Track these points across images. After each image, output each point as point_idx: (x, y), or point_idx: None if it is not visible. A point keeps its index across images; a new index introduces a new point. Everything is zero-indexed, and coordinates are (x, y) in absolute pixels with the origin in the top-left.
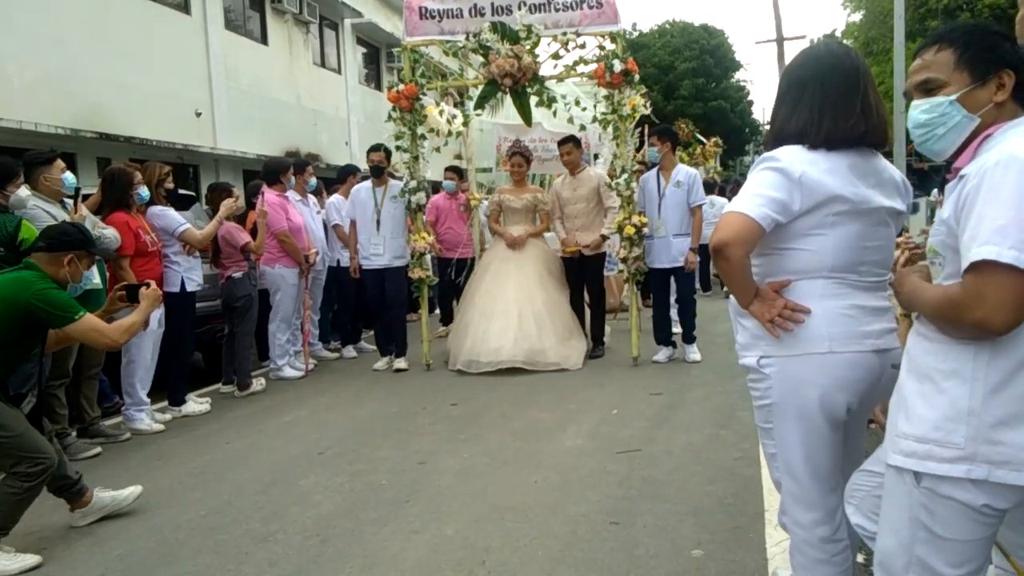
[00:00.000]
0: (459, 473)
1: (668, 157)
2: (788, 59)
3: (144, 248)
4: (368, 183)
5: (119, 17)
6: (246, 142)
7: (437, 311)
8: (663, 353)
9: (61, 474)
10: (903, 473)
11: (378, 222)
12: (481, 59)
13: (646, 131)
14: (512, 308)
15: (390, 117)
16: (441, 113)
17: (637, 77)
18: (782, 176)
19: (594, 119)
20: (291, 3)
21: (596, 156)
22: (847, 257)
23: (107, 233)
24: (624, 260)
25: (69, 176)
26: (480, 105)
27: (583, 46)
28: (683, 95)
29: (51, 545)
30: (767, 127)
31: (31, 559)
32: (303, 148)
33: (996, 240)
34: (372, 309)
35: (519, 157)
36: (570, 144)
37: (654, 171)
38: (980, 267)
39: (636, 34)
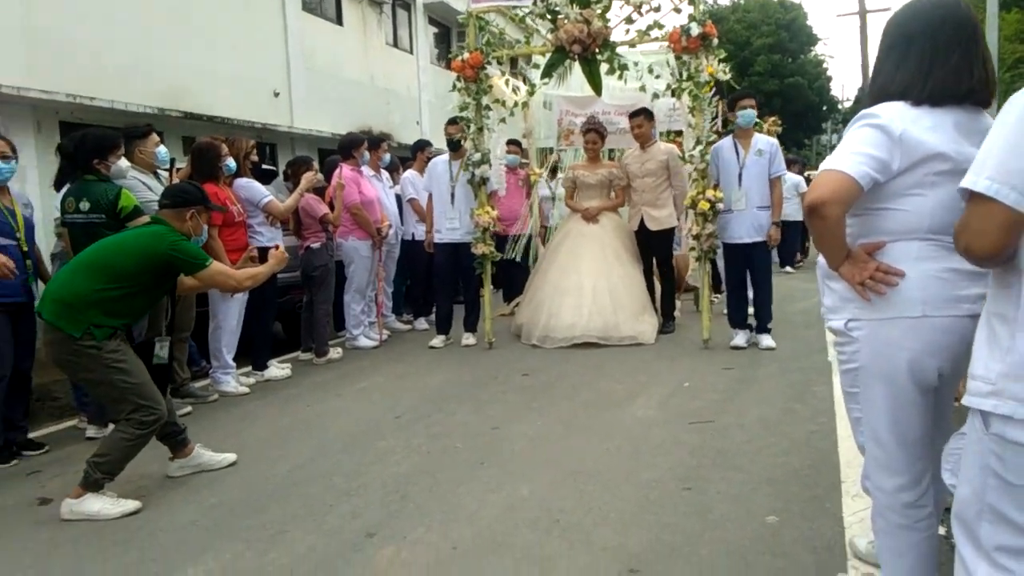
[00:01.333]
0: (532, 439)
1: (739, 126)
2: (872, 31)
3: (231, 218)
4: (445, 156)
5: (202, 1)
6: (321, 121)
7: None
8: (741, 336)
9: (171, 421)
10: (975, 417)
11: (453, 195)
12: (549, 25)
13: (719, 105)
14: (586, 283)
15: (454, 87)
16: (507, 83)
17: (716, 41)
18: (882, 133)
19: (668, 87)
20: None
21: (669, 132)
22: (945, 218)
23: None
24: (696, 237)
25: (162, 149)
26: (547, 74)
27: (658, 9)
28: (758, 71)
29: (148, 493)
30: (847, 103)
31: (131, 504)
32: (375, 127)
33: (976, 169)
34: (438, 283)
35: (594, 133)
36: (641, 117)
37: (728, 140)
38: (969, 196)
39: (713, 5)
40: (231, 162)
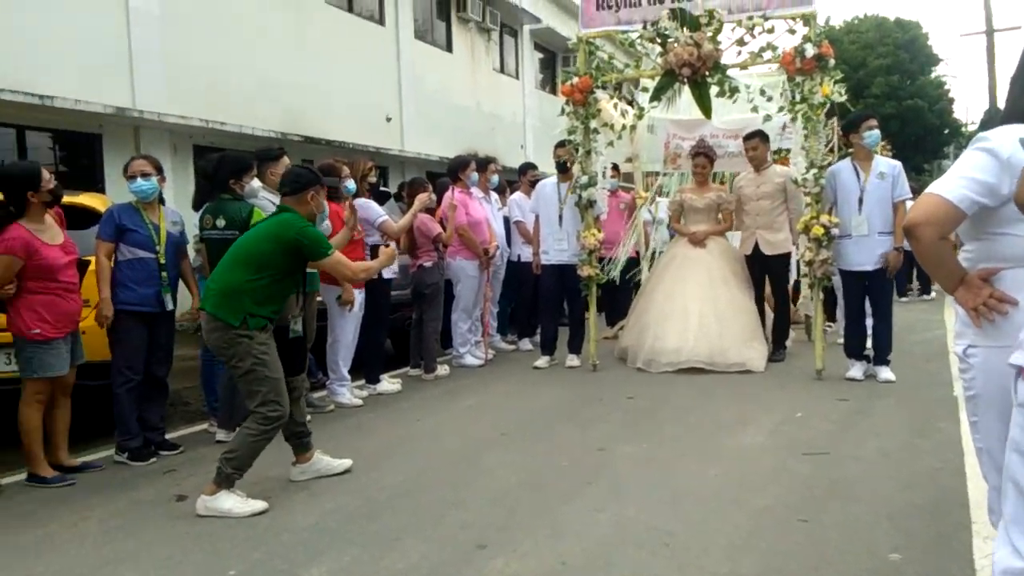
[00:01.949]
0: (638, 460)
1: (862, 148)
2: (1001, 51)
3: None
4: (554, 179)
5: (321, 29)
6: (430, 145)
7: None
8: (857, 368)
9: (299, 421)
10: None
11: (561, 218)
12: (658, 49)
13: (835, 123)
14: (692, 307)
15: (563, 111)
16: (615, 107)
17: (832, 62)
18: (990, 156)
19: (781, 108)
20: (475, 11)
21: (780, 152)
22: None
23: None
24: (809, 264)
25: None
26: (656, 97)
27: (771, 30)
28: (874, 93)
29: (273, 495)
30: (972, 126)
31: (259, 504)
32: (481, 151)
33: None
34: (544, 304)
35: (703, 157)
36: (756, 139)
37: (847, 162)
38: None
39: (826, 27)
40: (350, 183)
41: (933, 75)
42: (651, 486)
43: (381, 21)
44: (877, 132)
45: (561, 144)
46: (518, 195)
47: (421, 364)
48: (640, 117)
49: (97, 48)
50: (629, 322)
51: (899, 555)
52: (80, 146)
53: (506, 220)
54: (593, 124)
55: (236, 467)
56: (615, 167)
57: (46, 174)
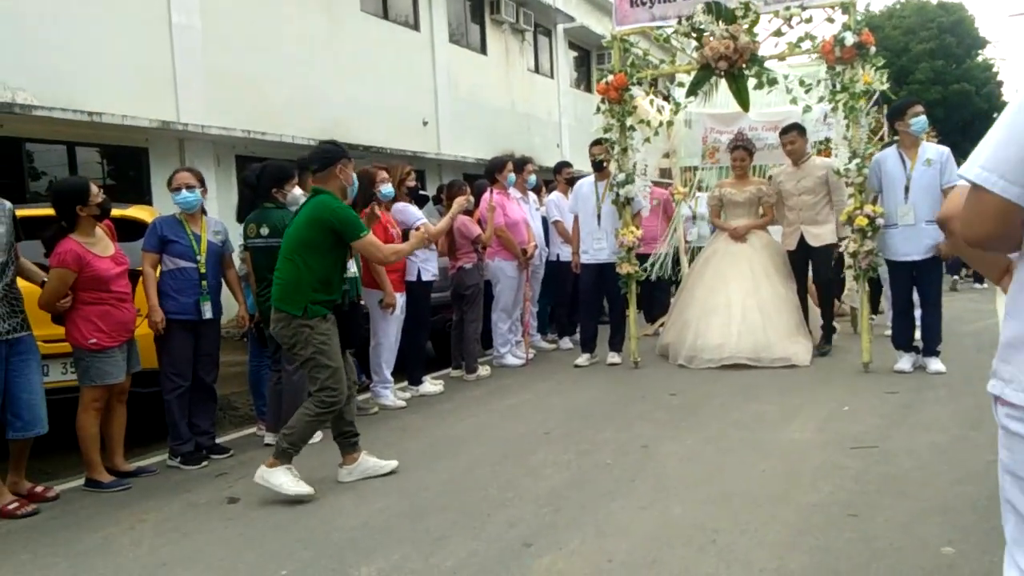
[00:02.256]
0: (682, 458)
1: (908, 136)
2: None
3: (391, 240)
4: (591, 178)
5: (357, 37)
6: (466, 147)
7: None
8: (906, 360)
9: (348, 420)
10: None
11: (599, 216)
12: (694, 43)
13: (880, 112)
14: (735, 301)
15: (599, 109)
16: (651, 103)
17: (873, 49)
18: None
19: (821, 99)
20: (508, 13)
21: (823, 141)
22: None
23: None
24: (854, 255)
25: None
26: (693, 92)
27: (809, 20)
28: (919, 79)
29: (322, 495)
30: None
31: (307, 488)
32: (517, 151)
33: (972, 159)
34: (584, 303)
35: (742, 151)
36: (794, 132)
37: (892, 149)
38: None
39: (867, 13)
40: (386, 188)
41: (980, 58)
42: (696, 483)
43: (416, 26)
44: (923, 118)
45: (597, 143)
46: (555, 194)
47: (462, 365)
48: (676, 112)
49: (142, 64)
50: (671, 319)
51: (952, 548)
52: (127, 160)
53: (544, 220)
54: (629, 121)
55: (291, 442)
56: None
57: (94, 189)
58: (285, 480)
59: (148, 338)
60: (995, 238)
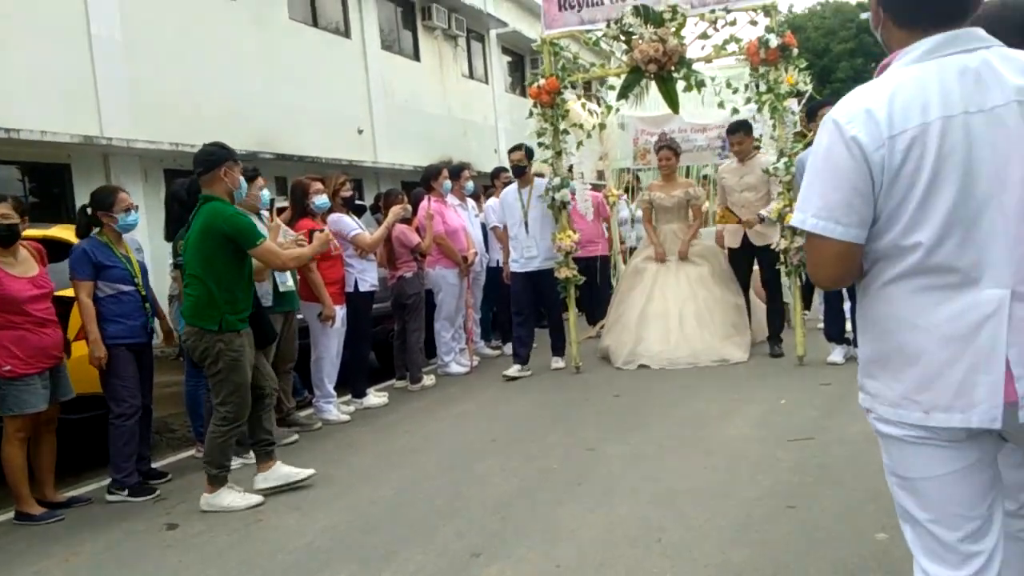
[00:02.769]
0: (628, 458)
1: None
2: None
3: (328, 252)
4: (514, 186)
5: (287, 45)
6: (403, 155)
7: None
8: (838, 352)
9: (267, 428)
10: None
11: (526, 224)
12: (623, 47)
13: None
14: (672, 312)
15: (531, 114)
16: (583, 107)
17: (796, 51)
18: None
19: (748, 100)
20: (440, 19)
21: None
22: None
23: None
24: (785, 251)
25: (266, 193)
26: (623, 95)
27: (734, 23)
28: (840, 77)
29: (265, 516)
30: None
31: (255, 498)
32: (455, 157)
33: (801, 207)
34: (515, 314)
35: (667, 150)
36: (741, 133)
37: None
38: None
39: (790, 15)
40: (320, 199)
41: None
42: (641, 483)
43: (347, 34)
44: None
45: (516, 148)
46: (493, 200)
47: (406, 375)
48: (608, 115)
49: (61, 78)
50: (609, 321)
51: (886, 535)
52: (49, 177)
53: (483, 226)
54: (562, 125)
55: (216, 466)
56: (569, 168)
57: (1, 209)
58: (231, 498)
59: (80, 362)
60: (840, 277)
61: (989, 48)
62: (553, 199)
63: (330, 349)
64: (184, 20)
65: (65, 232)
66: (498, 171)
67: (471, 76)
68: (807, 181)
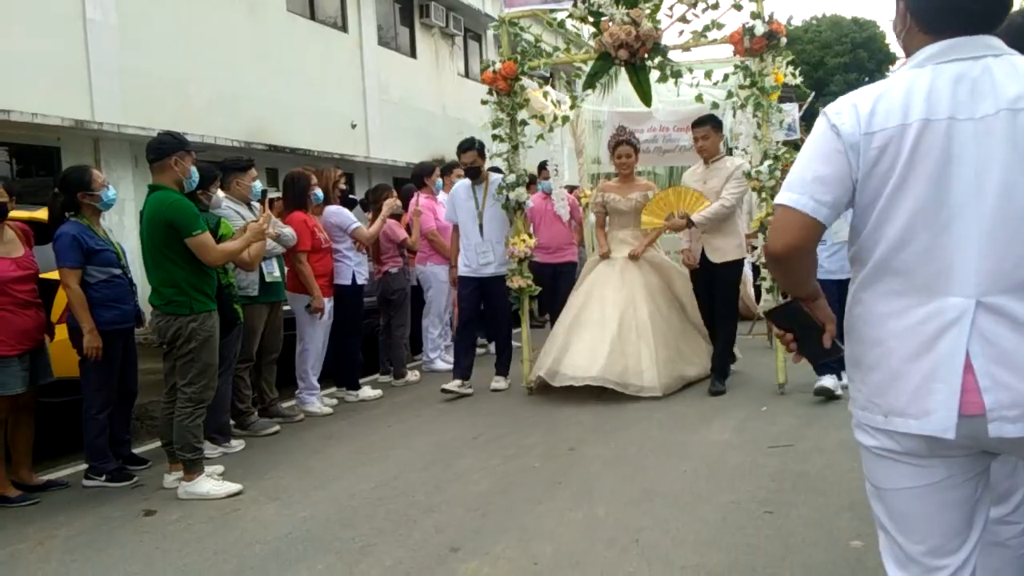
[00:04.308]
0: (607, 460)
1: None
2: None
3: (318, 244)
4: (468, 181)
5: (283, 36)
6: (396, 151)
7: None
8: (829, 380)
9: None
10: None
11: (480, 226)
12: (592, 29)
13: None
14: (611, 319)
15: (485, 102)
16: (546, 95)
17: (784, 40)
18: None
19: (730, 94)
20: (438, 17)
21: (731, 150)
22: None
23: (285, 231)
24: (758, 268)
25: (257, 184)
26: (591, 84)
27: (716, 6)
28: (834, 91)
29: (243, 506)
30: None
31: (234, 487)
32: (447, 156)
33: (784, 186)
34: (461, 322)
35: (626, 146)
36: (707, 127)
37: None
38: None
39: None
40: (319, 192)
41: (890, 72)
42: (620, 485)
43: (344, 28)
44: None
45: (466, 147)
46: None
47: (391, 370)
48: (574, 107)
49: (54, 61)
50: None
51: (861, 542)
52: (38, 159)
53: None
54: (521, 115)
55: (189, 451)
56: (543, 166)
57: None
58: (209, 487)
59: (61, 346)
60: (794, 247)
61: (998, 57)
62: (507, 199)
63: (316, 341)
64: (180, 8)
65: None
66: (491, 171)
67: (467, 75)
68: (795, 164)
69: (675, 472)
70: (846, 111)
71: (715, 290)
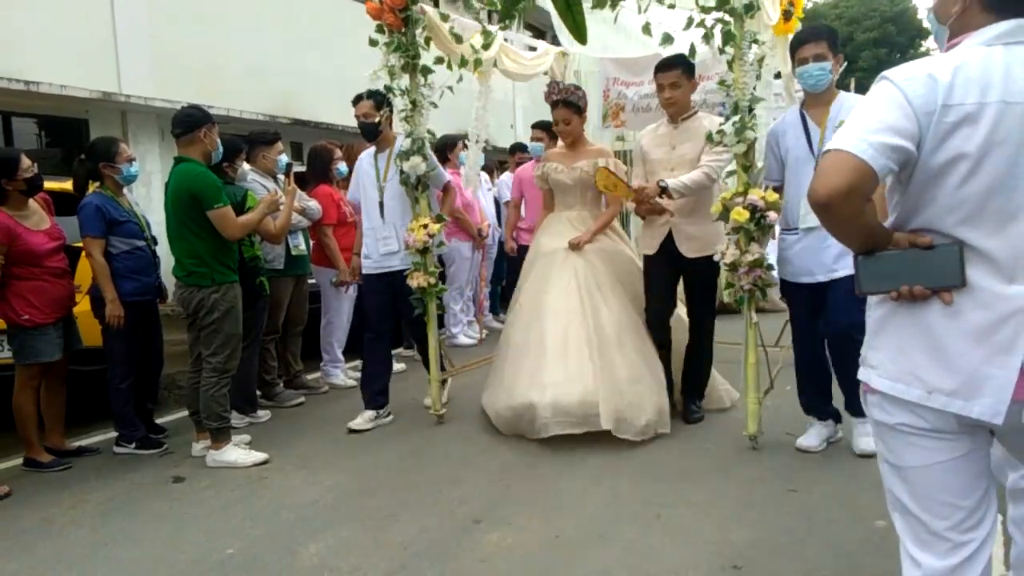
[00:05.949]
0: None
1: (806, 93)
2: None
3: (343, 218)
4: (371, 150)
5: (310, 9)
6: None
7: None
8: (815, 433)
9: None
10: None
11: (381, 205)
12: None
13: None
14: (550, 331)
15: (372, 42)
16: (451, 32)
17: None
18: None
19: (689, 24)
20: None
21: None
22: None
23: (311, 204)
24: (732, 267)
25: (283, 157)
26: (506, 15)
27: None
28: (863, 67)
29: (271, 474)
30: None
31: (260, 456)
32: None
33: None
34: (368, 332)
35: (564, 108)
36: (677, 71)
37: (793, 112)
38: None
39: (811, 5)
40: (343, 165)
41: (923, 47)
42: (644, 461)
43: None
44: (815, 67)
45: (359, 98)
46: (507, 175)
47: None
48: (487, 46)
49: (82, 33)
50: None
51: (884, 522)
52: (66, 131)
53: (496, 200)
54: (424, 59)
55: (217, 421)
56: (546, 127)
57: (25, 162)
58: (237, 455)
59: (86, 316)
60: (841, 192)
61: None
62: (402, 171)
63: (341, 315)
64: None
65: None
66: (515, 148)
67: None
68: (847, 121)
69: (698, 450)
70: (920, 79)
71: (689, 292)
